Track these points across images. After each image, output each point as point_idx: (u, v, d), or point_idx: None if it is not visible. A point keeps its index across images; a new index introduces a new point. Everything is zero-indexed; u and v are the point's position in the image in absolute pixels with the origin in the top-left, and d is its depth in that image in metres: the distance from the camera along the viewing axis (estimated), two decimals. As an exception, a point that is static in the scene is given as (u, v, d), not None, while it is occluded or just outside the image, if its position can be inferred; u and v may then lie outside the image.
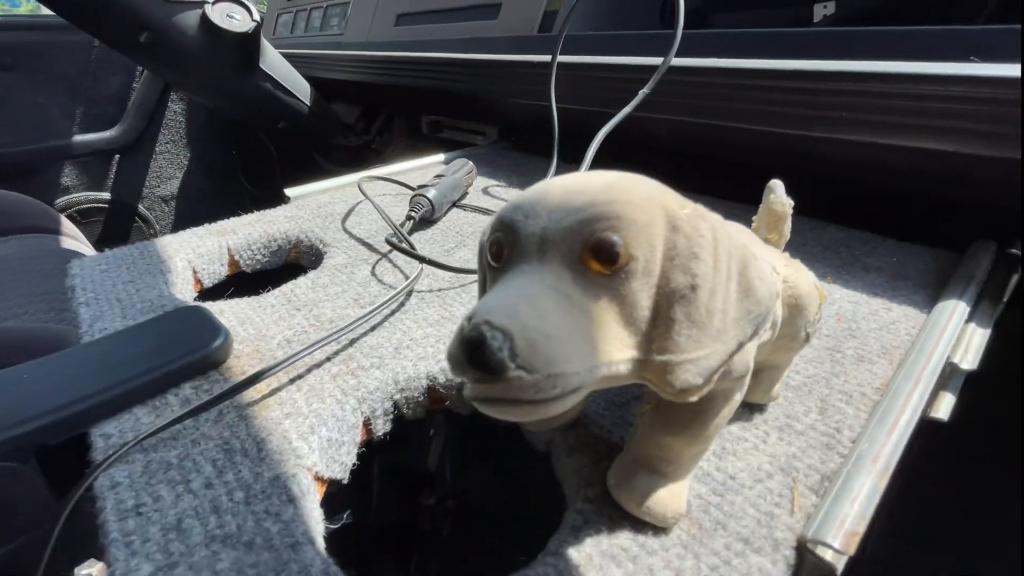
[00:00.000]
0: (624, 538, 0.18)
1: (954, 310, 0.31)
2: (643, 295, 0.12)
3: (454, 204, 0.51)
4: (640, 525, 0.18)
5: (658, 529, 0.18)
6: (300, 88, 0.99)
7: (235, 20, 0.80)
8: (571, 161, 0.58)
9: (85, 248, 0.92)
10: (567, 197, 0.13)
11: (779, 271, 0.21)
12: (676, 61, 0.47)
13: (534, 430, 0.23)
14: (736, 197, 0.52)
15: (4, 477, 0.22)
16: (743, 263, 0.13)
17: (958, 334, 0.29)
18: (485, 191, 0.57)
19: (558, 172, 0.56)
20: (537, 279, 0.12)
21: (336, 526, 0.21)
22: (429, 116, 1.00)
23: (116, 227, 1.34)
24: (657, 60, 0.48)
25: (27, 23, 1.10)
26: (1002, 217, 0.43)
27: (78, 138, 1.22)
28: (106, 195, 1.32)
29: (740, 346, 0.13)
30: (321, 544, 0.19)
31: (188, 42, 0.78)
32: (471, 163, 0.55)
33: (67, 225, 0.97)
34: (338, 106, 1.19)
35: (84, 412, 0.24)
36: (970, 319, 0.31)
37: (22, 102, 1.13)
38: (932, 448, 0.35)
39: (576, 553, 0.18)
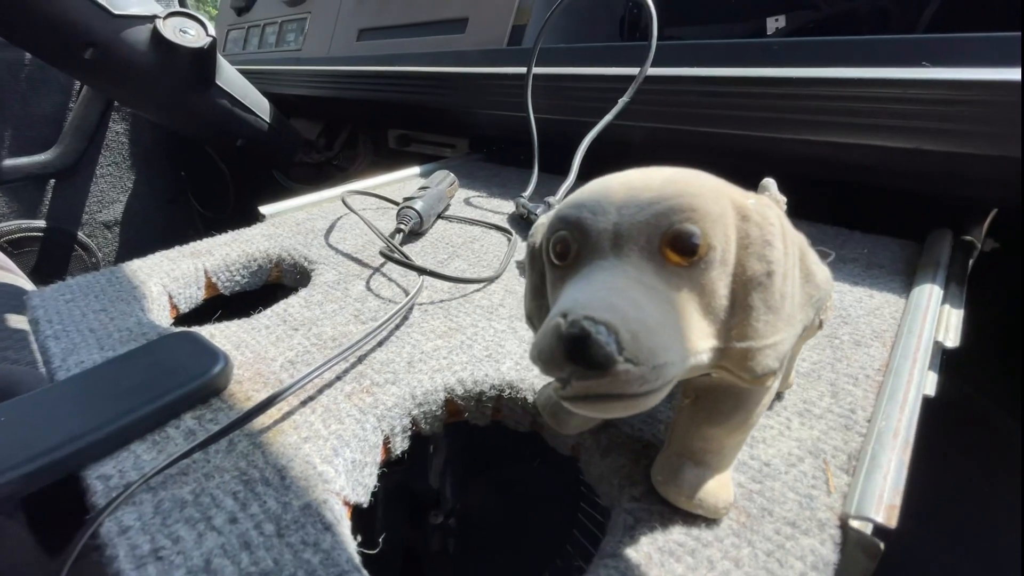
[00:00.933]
0: (678, 533, 0.18)
1: (931, 293, 0.33)
2: (721, 284, 0.13)
3: (439, 216, 0.51)
4: (690, 519, 0.19)
5: (708, 521, 0.19)
6: (258, 104, 0.96)
7: (189, 35, 0.77)
8: (550, 171, 0.59)
9: (22, 281, 0.85)
10: (633, 192, 0.13)
11: (794, 263, 0.22)
12: (650, 71, 0.48)
13: (570, 434, 0.23)
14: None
15: (-10, 532, 0.19)
16: (803, 249, 0.14)
17: (938, 315, 0.31)
18: (467, 202, 0.57)
19: (539, 181, 0.56)
20: (620, 273, 0.12)
21: (373, 552, 0.20)
22: (396, 130, 0.99)
23: (53, 257, 1.24)
24: (631, 70, 0.49)
25: (-53, 40, 1.01)
26: (953, 206, 0.47)
27: (8, 162, 1.13)
28: (41, 223, 1.22)
29: (804, 330, 0.14)
30: (366, 573, 0.18)
31: (138, 58, 0.74)
32: (452, 175, 0.55)
33: (0, 257, 0.89)
34: (298, 122, 1.16)
35: (75, 453, 0.22)
36: (944, 301, 0.33)
37: (-59, 125, 1.04)
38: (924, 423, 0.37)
39: (634, 552, 0.18)
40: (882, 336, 0.30)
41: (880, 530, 0.19)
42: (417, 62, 0.73)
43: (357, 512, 0.35)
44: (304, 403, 0.25)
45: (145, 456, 0.22)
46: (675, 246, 0.12)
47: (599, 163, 0.67)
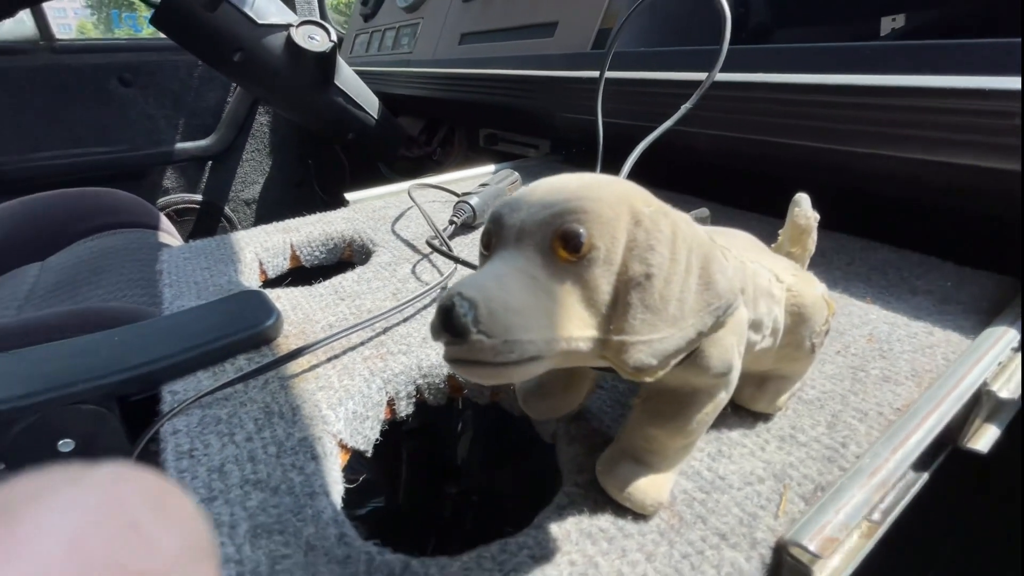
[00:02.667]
0: (604, 520, 0.19)
1: (1002, 336, 0.29)
2: (604, 281, 0.14)
3: (496, 211, 0.54)
4: (622, 511, 0.19)
5: (640, 516, 0.19)
6: (369, 102, 1.06)
7: (315, 41, 0.88)
8: (615, 174, 0.60)
9: (177, 243, 1.04)
10: (546, 195, 0.15)
11: (783, 279, 0.22)
12: (721, 76, 0.47)
13: (540, 419, 0.24)
14: (780, 213, 0.51)
15: (91, 418, 0.26)
16: (705, 259, 0.15)
17: (1003, 361, 0.28)
18: (528, 200, 0.59)
19: None
20: (510, 262, 0.14)
21: (352, 486, 0.24)
22: (486, 129, 1.04)
23: (205, 225, 1.49)
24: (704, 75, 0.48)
25: (145, 45, 1.26)
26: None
27: (179, 146, 1.37)
28: (199, 197, 1.47)
29: (700, 335, 0.14)
30: (336, 498, 0.21)
31: (274, 61, 0.87)
32: (517, 174, 0.58)
33: (165, 222, 1.09)
34: (404, 119, 1.26)
35: (159, 371, 0.28)
36: (1021, 349, 0.29)
37: (138, 114, 1.29)
38: (970, 481, 0.33)
39: (557, 528, 0.19)
40: (920, 376, 0.27)
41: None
42: (503, 65, 0.77)
43: (383, 473, 0.40)
44: (329, 360, 0.30)
45: (205, 381, 0.28)
46: (563, 243, 0.14)
47: (661, 168, 0.66)
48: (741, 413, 0.24)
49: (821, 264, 0.41)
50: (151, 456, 0.24)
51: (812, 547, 0.17)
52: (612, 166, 0.58)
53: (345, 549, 0.18)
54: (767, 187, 0.58)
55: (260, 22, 0.83)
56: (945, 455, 0.28)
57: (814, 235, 0.27)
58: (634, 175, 0.67)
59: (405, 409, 0.30)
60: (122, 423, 0.27)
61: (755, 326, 0.20)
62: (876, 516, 0.24)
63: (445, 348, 0.13)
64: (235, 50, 0.84)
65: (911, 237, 0.44)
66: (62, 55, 1.17)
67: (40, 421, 0.25)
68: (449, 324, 0.13)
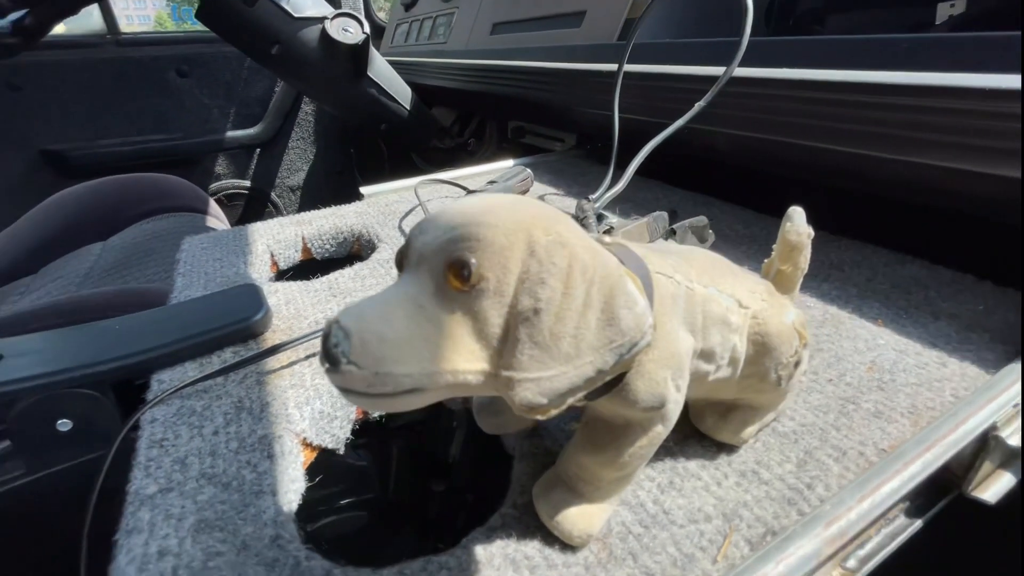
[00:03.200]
0: (532, 547, 0.19)
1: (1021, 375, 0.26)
2: (494, 313, 0.13)
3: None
4: (552, 539, 0.19)
5: (567, 546, 0.19)
6: (402, 94, 1.08)
7: (349, 33, 0.90)
8: (641, 173, 0.57)
9: (224, 227, 1.09)
10: (450, 218, 0.14)
11: (747, 305, 0.20)
12: (742, 71, 0.44)
13: (491, 432, 0.24)
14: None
15: (86, 401, 0.28)
16: (610, 293, 0.14)
17: (1021, 404, 0.25)
18: (541, 199, 0.58)
19: (613, 182, 0.55)
20: (401, 289, 0.14)
21: (311, 484, 0.24)
22: (515, 122, 1.03)
23: (252, 211, 1.56)
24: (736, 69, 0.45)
25: (200, 37, 1.32)
26: None
27: (230, 134, 1.44)
28: (247, 183, 1.54)
29: (600, 373, 0.14)
30: (284, 497, 0.22)
31: (309, 53, 0.89)
32: (529, 171, 0.57)
33: (214, 207, 1.16)
34: (438, 110, 1.27)
35: (150, 360, 0.30)
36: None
37: (193, 103, 1.37)
38: (977, 533, 0.30)
39: (482, 551, 0.19)
40: (918, 413, 0.25)
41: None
42: (527, 56, 0.76)
43: (376, 467, 0.40)
44: (307, 357, 0.30)
45: (190, 372, 0.29)
46: (453, 272, 0.13)
47: (683, 167, 0.63)
48: (706, 443, 0.23)
49: (837, 279, 0.38)
50: (132, 443, 0.26)
51: (738, 599, 0.16)
52: (628, 163, 0.57)
53: (275, 552, 0.19)
54: (787, 190, 0.54)
55: (296, 15, 0.85)
56: (947, 502, 0.25)
57: (806, 253, 0.25)
58: (650, 173, 0.64)
59: (377, 412, 0.30)
60: (116, 406, 0.29)
61: (706, 356, 0.19)
62: (851, 563, 0.22)
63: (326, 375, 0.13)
64: (273, 43, 0.86)
65: (947, 251, 0.40)
66: (126, 47, 1.25)
67: (41, 402, 0.27)
68: (324, 352, 0.13)
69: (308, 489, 0.24)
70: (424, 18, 1.32)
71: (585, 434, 0.19)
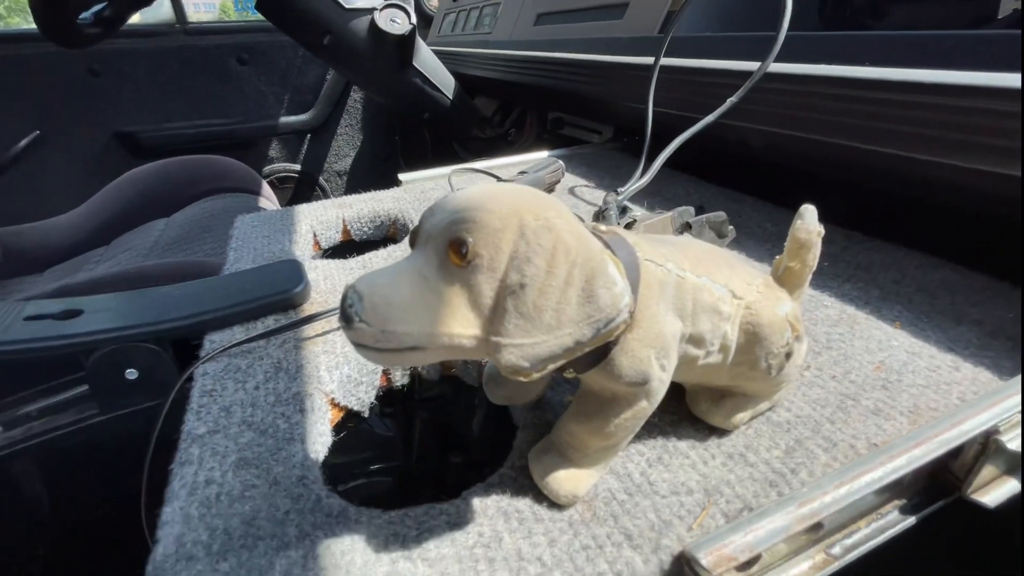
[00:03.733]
0: (523, 503, 0.21)
1: (1039, 381, 0.25)
2: (487, 286, 0.15)
3: (534, 199, 0.55)
4: (542, 498, 0.21)
5: (556, 505, 0.21)
6: (445, 83, 1.10)
7: (396, 24, 0.93)
8: (676, 167, 0.58)
9: (274, 208, 1.16)
10: (455, 204, 0.16)
11: (741, 296, 0.21)
12: (778, 67, 0.44)
13: (497, 403, 0.26)
14: (830, 218, 0.47)
15: (149, 355, 0.32)
16: (591, 273, 0.15)
17: (1032, 409, 0.24)
18: (571, 191, 0.59)
19: (641, 175, 0.56)
20: (410, 262, 0.16)
21: (340, 443, 0.27)
22: (554, 113, 1.04)
23: (302, 193, 1.64)
24: (783, 66, 0.44)
25: (259, 27, 1.39)
26: None
27: (283, 119, 1.51)
28: (298, 167, 1.61)
29: (579, 344, 0.15)
30: (311, 446, 0.25)
31: (358, 43, 0.93)
32: (560, 163, 0.58)
33: (266, 188, 1.22)
34: (480, 100, 1.29)
35: (204, 323, 0.33)
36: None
37: (251, 90, 1.44)
38: (978, 537, 0.30)
39: (479, 503, 0.21)
40: (919, 413, 0.25)
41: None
42: (566, 48, 0.76)
43: (401, 437, 0.43)
44: (339, 328, 0.33)
45: (238, 334, 0.33)
46: (453, 249, 0.15)
47: (716, 162, 0.63)
48: (699, 426, 0.24)
49: (861, 280, 0.37)
50: (186, 392, 0.29)
51: (704, 560, 0.17)
52: (671, 158, 0.57)
53: (301, 489, 0.22)
54: (823, 189, 0.53)
55: (347, 7, 0.89)
56: (946, 504, 0.25)
57: (815, 251, 0.26)
58: (684, 168, 0.64)
59: (400, 379, 0.33)
60: (174, 360, 0.33)
61: (695, 341, 0.20)
62: (836, 550, 0.23)
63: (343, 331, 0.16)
64: (324, 33, 0.90)
65: (987, 258, 0.39)
66: (192, 36, 1.33)
67: (113, 352, 0.32)
68: (342, 312, 0.15)
69: (339, 453, 0.27)
70: (471, 8, 1.33)
71: (578, 405, 0.21)
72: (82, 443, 0.33)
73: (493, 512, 0.20)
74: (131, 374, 0.32)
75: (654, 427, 0.24)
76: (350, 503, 0.21)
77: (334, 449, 0.27)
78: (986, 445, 0.24)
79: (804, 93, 0.43)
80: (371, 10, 0.91)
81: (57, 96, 1.26)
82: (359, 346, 0.15)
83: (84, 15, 0.86)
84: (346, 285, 0.15)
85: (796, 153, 0.49)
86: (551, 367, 0.15)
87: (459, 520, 0.20)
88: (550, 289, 0.15)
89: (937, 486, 0.26)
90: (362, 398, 0.31)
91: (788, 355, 0.22)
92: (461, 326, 0.15)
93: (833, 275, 0.38)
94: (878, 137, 0.39)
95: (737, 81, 0.46)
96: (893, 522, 0.24)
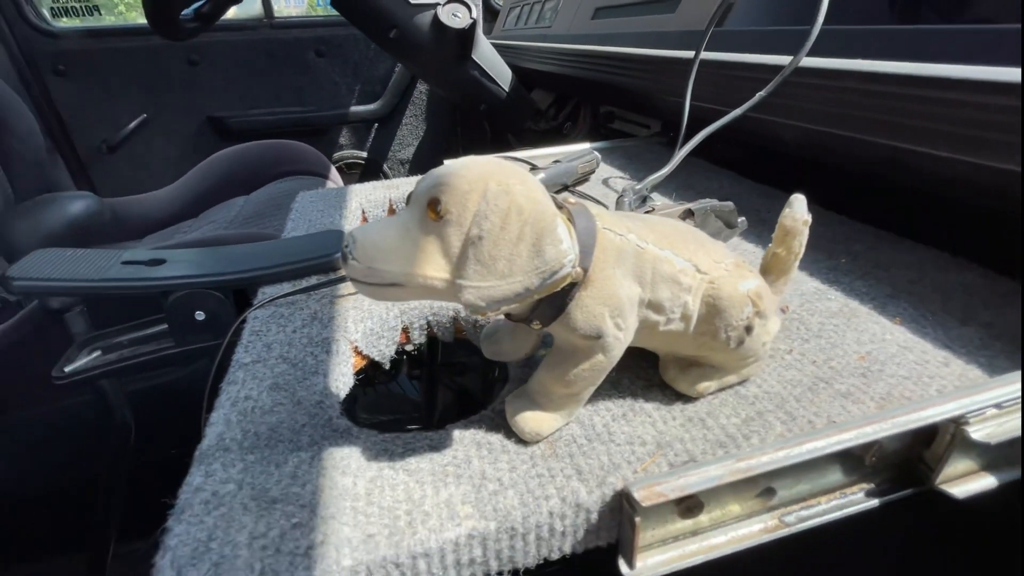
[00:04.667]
0: (495, 438, 0.24)
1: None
2: (455, 238, 0.18)
3: (565, 187, 0.57)
4: (513, 436, 0.24)
5: (523, 442, 0.24)
6: (502, 76, 1.14)
7: (457, 18, 0.98)
8: (716, 161, 0.58)
9: (337, 190, 1.25)
10: (439, 171, 0.19)
11: (705, 271, 0.23)
12: (816, 62, 0.44)
13: (490, 358, 0.29)
14: (856, 215, 0.46)
15: (215, 300, 0.38)
16: (540, 232, 0.18)
17: (1006, 404, 0.24)
18: (605, 182, 0.61)
19: (692, 172, 0.56)
20: (399, 217, 0.19)
21: (355, 382, 0.32)
22: (606, 106, 1.05)
23: (367, 179, 1.74)
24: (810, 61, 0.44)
25: (336, 21, 1.49)
26: None
27: (353, 108, 1.61)
28: (364, 154, 1.71)
29: (527, 290, 0.18)
30: (334, 380, 0.29)
31: (422, 37, 0.99)
32: (596, 154, 0.60)
33: (334, 173, 1.32)
34: (537, 93, 1.32)
35: (259, 277, 0.39)
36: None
37: (326, 81, 1.55)
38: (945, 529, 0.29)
39: (458, 433, 0.24)
40: (888, 399, 0.26)
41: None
42: (619, 42, 0.77)
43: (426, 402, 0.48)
44: (369, 289, 0.38)
45: (285, 288, 0.38)
46: (431, 206, 0.18)
47: (751, 156, 0.62)
48: (668, 393, 0.26)
49: (875, 277, 0.37)
50: (240, 331, 0.35)
51: (637, 494, 0.20)
52: (697, 151, 0.57)
53: (317, 409, 0.26)
54: (860, 187, 0.52)
55: (413, 2, 0.94)
56: (916, 492, 0.26)
57: (801, 239, 0.27)
58: (724, 163, 0.64)
59: (417, 337, 0.37)
60: (234, 306, 0.39)
61: (654, 307, 0.22)
62: (789, 519, 0.25)
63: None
64: (391, 27, 0.97)
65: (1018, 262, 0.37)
66: (277, 30, 1.45)
67: (187, 296, 0.38)
68: (342, 252, 0.19)
69: (368, 414, 0.32)
70: (534, 2, 1.36)
71: (547, 358, 0.24)
72: (159, 372, 0.40)
73: (468, 442, 0.24)
74: (200, 316, 0.39)
75: (625, 389, 0.27)
76: (353, 424, 0.26)
77: (365, 407, 0.31)
78: (954, 436, 0.24)
79: (837, 88, 0.42)
80: (434, 5, 0.96)
81: (161, 83, 1.42)
82: (353, 280, 0.19)
83: (186, 12, 0.98)
84: (346, 233, 0.19)
85: (830, 149, 0.48)
86: (504, 308, 0.18)
87: (439, 445, 0.24)
88: (503, 242, 0.18)
89: (908, 475, 0.26)
90: (383, 350, 0.36)
91: (748, 328, 0.24)
92: (433, 269, 0.19)
93: (847, 271, 0.38)
94: (913, 135, 0.38)
95: (771, 76, 0.46)
96: (854, 502, 0.25)
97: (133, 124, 1.45)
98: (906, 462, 0.26)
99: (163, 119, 1.46)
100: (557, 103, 1.28)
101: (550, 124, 1.29)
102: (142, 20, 1.15)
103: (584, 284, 0.20)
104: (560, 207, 0.21)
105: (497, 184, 0.18)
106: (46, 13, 1.39)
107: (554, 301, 0.21)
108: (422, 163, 1.75)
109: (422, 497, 0.21)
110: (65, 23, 1.43)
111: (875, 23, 0.45)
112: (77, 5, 1.69)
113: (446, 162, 0.21)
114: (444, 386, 0.52)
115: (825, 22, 0.47)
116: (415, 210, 0.19)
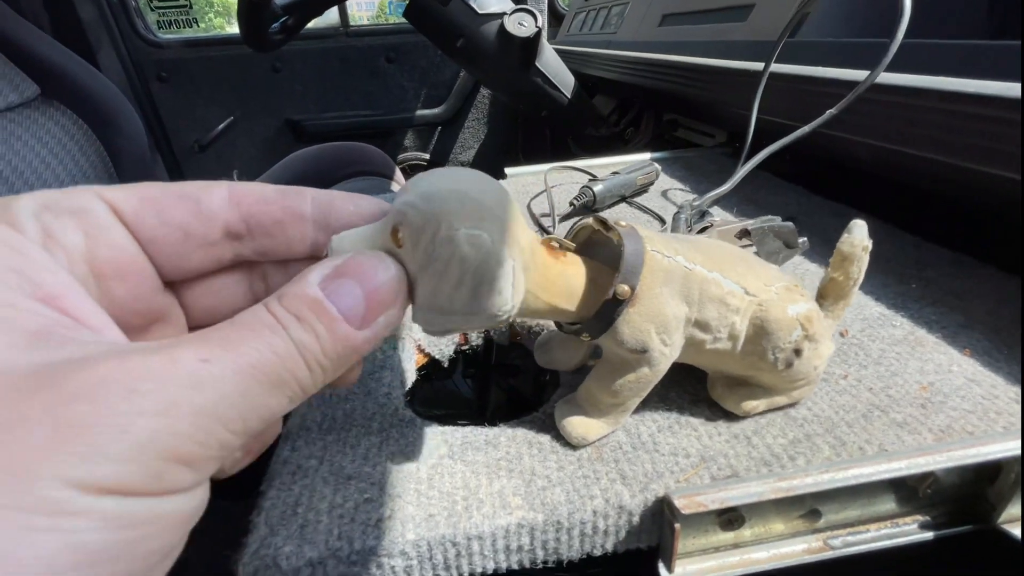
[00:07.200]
0: (544, 438, 0.26)
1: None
2: (409, 264, 0.18)
3: (624, 199, 0.58)
4: (561, 438, 0.26)
5: (571, 446, 0.25)
6: (565, 82, 1.15)
7: (523, 27, 1.00)
8: (773, 171, 0.57)
9: (400, 191, 1.31)
10: (413, 190, 0.18)
11: (754, 293, 0.24)
12: (893, 79, 0.42)
13: (543, 366, 0.31)
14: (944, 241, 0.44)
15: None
16: (479, 282, 0.18)
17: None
18: (663, 193, 0.61)
19: (756, 187, 0.56)
20: (375, 227, 0.19)
21: (417, 377, 0.35)
22: (669, 114, 1.04)
23: (428, 180, 1.80)
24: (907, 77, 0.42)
25: (406, 29, 1.56)
26: None
27: (419, 112, 1.68)
28: (427, 156, 1.78)
29: (468, 326, 0.19)
30: (398, 375, 0.32)
31: (488, 46, 1.02)
32: (656, 166, 0.60)
33: (398, 174, 1.38)
34: (599, 99, 1.32)
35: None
36: None
37: (395, 86, 1.63)
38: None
39: (511, 431, 0.26)
40: (948, 432, 0.25)
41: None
42: (686, 51, 0.77)
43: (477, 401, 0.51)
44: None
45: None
46: (393, 231, 0.18)
47: (822, 172, 0.60)
48: (715, 409, 0.27)
49: (947, 305, 0.36)
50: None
51: (678, 501, 0.21)
52: (762, 164, 0.56)
53: (385, 400, 0.29)
54: (942, 209, 0.49)
55: (480, 12, 0.98)
56: (975, 529, 0.25)
57: (860, 265, 0.27)
58: (790, 177, 0.62)
59: (475, 339, 0.39)
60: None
61: (701, 326, 0.23)
62: (835, 542, 0.25)
63: None
64: (458, 37, 1.01)
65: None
66: (352, 38, 1.54)
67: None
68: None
69: (424, 407, 0.34)
70: (600, 7, 1.36)
71: (595, 368, 0.25)
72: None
73: (520, 440, 0.26)
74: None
75: (672, 402, 0.28)
76: (417, 415, 0.28)
77: (422, 401, 0.34)
78: (1020, 474, 0.23)
79: (916, 107, 0.41)
80: (501, 15, 0.99)
81: (247, 89, 1.54)
82: None
83: (274, 26, 1.07)
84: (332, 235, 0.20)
85: (907, 169, 0.46)
86: (451, 334, 0.20)
87: (493, 440, 0.26)
88: (444, 284, 0.18)
89: (967, 510, 0.26)
90: (443, 350, 0.38)
91: (797, 351, 0.24)
92: None
93: (918, 297, 0.37)
94: (1002, 160, 0.36)
95: (843, 91, 0.45)
96: (906, 533, 0.25)
97: (221, 126, 1.58)
98: (966, 497, 0.26)
99: (247, 122, 1.59)
100: (619, 109, 1.28)
101: (611, 130, 1.29)
102: (229, 29, 1.25)
103: (632, 302, 0.22)
104: (610, 228, 0.23)
105: (447, 229, 0.18)
106: (154, 26, 1.55)
107: (603, 316, 0.22)
108: (482, 166, 1.79)
109: (477, 486, 0.23)
110: (167, 34, 1.59)
111: (963, 37, 0.42)
112: (179, 18, 1.86)
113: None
114: (496, 386, 0.54)
115: (907, 35, 0.45)
116: (387, 225, 0.19)
